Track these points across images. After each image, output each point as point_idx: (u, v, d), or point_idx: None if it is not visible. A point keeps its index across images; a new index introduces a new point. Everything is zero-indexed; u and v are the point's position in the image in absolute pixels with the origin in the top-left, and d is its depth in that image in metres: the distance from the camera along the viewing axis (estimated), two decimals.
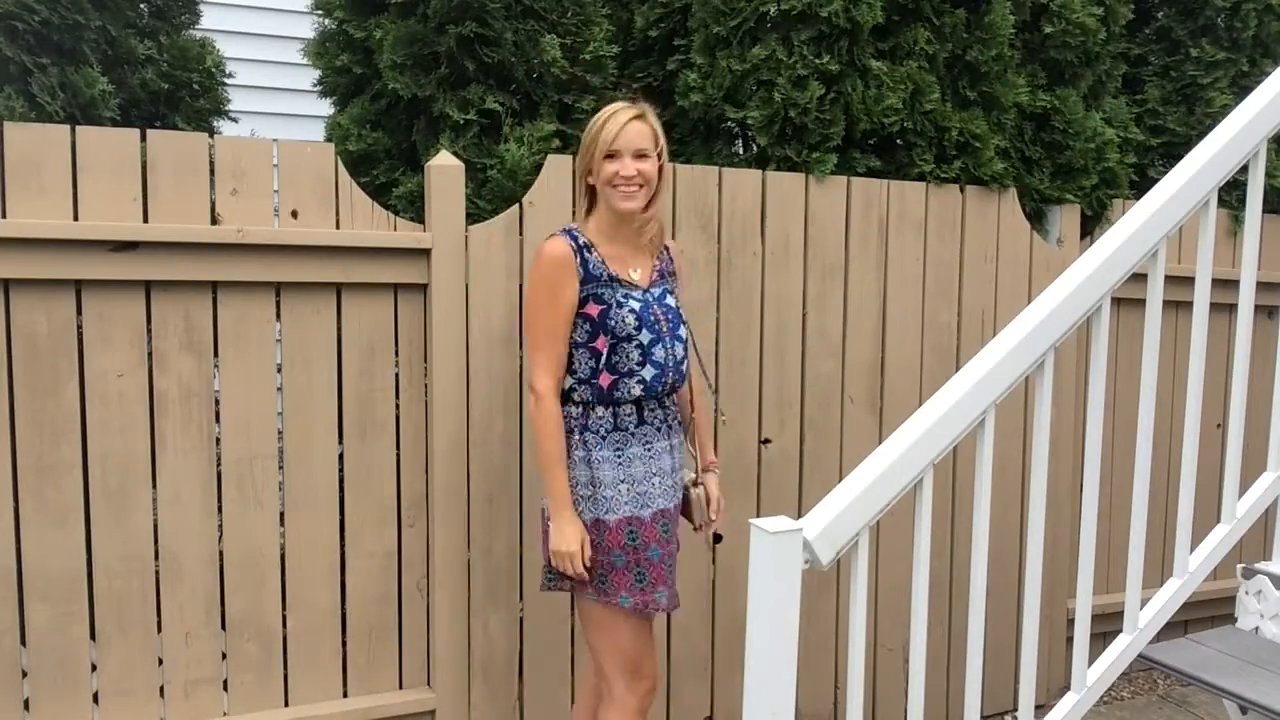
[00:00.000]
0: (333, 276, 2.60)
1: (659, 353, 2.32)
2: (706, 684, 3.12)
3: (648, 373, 2.31)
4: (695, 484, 2.47)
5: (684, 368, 2.40)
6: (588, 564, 2.26)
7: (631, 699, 2.33)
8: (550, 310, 2.27)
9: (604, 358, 2.29)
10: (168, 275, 2.44)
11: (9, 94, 2.51)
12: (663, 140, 2.36)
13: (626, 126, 2.27)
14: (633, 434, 2.32)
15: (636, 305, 2.31)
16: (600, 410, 2.31)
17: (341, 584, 2.69)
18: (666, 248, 2.49)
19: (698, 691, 3.10)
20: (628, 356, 2.29)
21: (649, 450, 2.34)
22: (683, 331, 2.39)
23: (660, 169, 2.35)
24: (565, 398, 2.33)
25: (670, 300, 2.40)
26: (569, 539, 2.25)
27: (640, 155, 2.28)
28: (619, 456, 2.30)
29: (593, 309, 2.29)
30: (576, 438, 2.31)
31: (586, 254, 2.30)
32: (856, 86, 3.13)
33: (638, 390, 2.31)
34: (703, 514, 2.47)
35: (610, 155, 2.27)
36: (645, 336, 2.30)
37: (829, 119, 3.10)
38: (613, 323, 2.28)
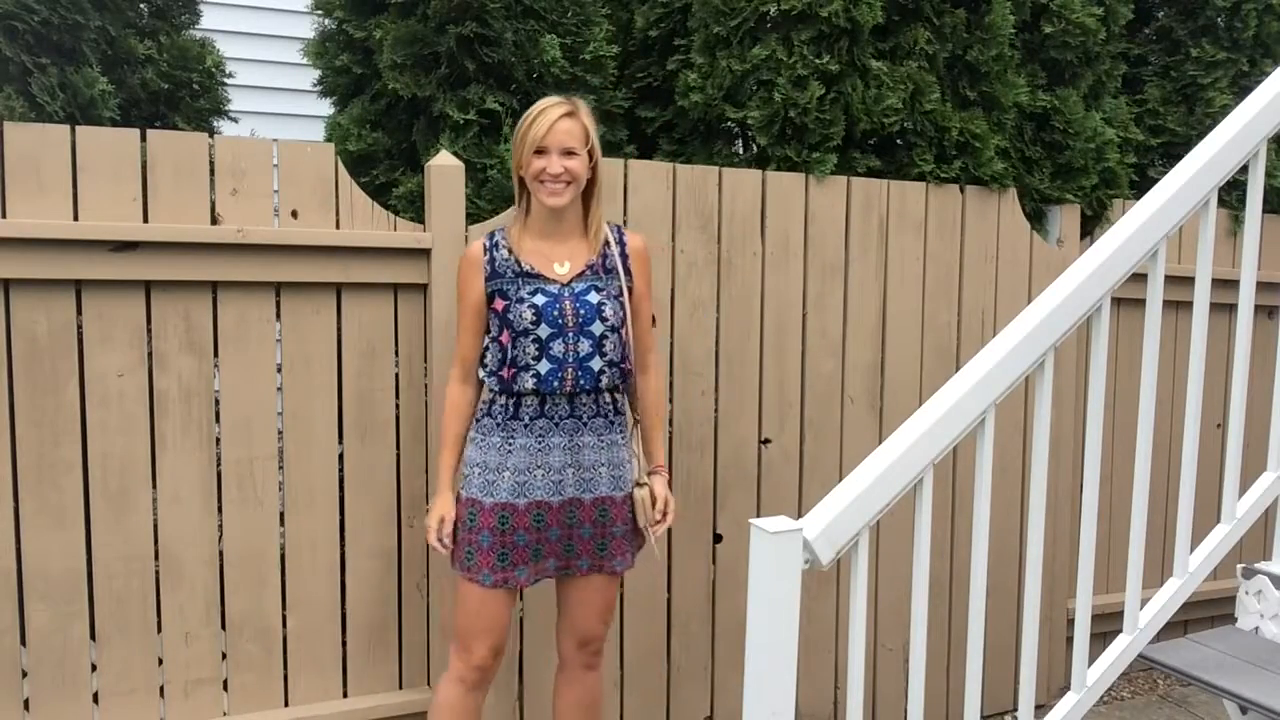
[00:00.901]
0: (332, 276, 2.60)
1: (557, 348, 2.32)
2: (706, 684, 3.12)
3: (543, 367, 2.32)
4: (639, 485, 2.46)
5: (595, 365, 2.35)
6: (444, 540, 2.40)
7: (456, 665, 2.41)
8: (461, 307, 2.41)
9: (507, 351, 2.35)
10: (168, 275, 2.44)
11: (9, 94, 2.51)
12: (594, 137, 2.36)
13: (556, 124, 2.29)
14: (527, 425, 2.35)
15: (540, 300, 2.32)
16: (503, 399, 2.37)
17: (341, 584, 2.69)
18: (624, 243, 2.46)
19: (698, 691, 3.11)
20: (525, 351, 2.32)
21: (540, 443, 2.35)
22: (596, 328, 2.34)
23: (593, 166, 2.36)
24: (483, 386, 2.44)
25: (592, 296, 2.36)
26: (431, 513, 2.43)
27: (568, 153, 2.30)
28: (509, 444, 2.35)
29: (499, 304, 2.36)
30: (479, 421, 2.41)
31: (495, 253, 2.38)
32: (856, 86, 3.13)
33: (530, 384, 2.32)
34: (646, 515, 2.45)
35: (539, 151, 2.29)
36: (544, 331, 2.32)
37: (829, 119, 3.10)
38: (512, 317, 2.33)
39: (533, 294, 2.33)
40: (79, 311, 2.39)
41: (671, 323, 2.96)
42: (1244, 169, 2.37)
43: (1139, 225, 2.14)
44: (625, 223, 2.88)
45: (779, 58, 3.06)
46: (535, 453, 2.35)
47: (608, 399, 2.42)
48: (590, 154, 2.35)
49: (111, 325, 2.42)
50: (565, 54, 2.97)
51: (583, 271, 2.39)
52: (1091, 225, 3.68)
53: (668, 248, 2.94)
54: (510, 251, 2.38)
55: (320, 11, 3.13)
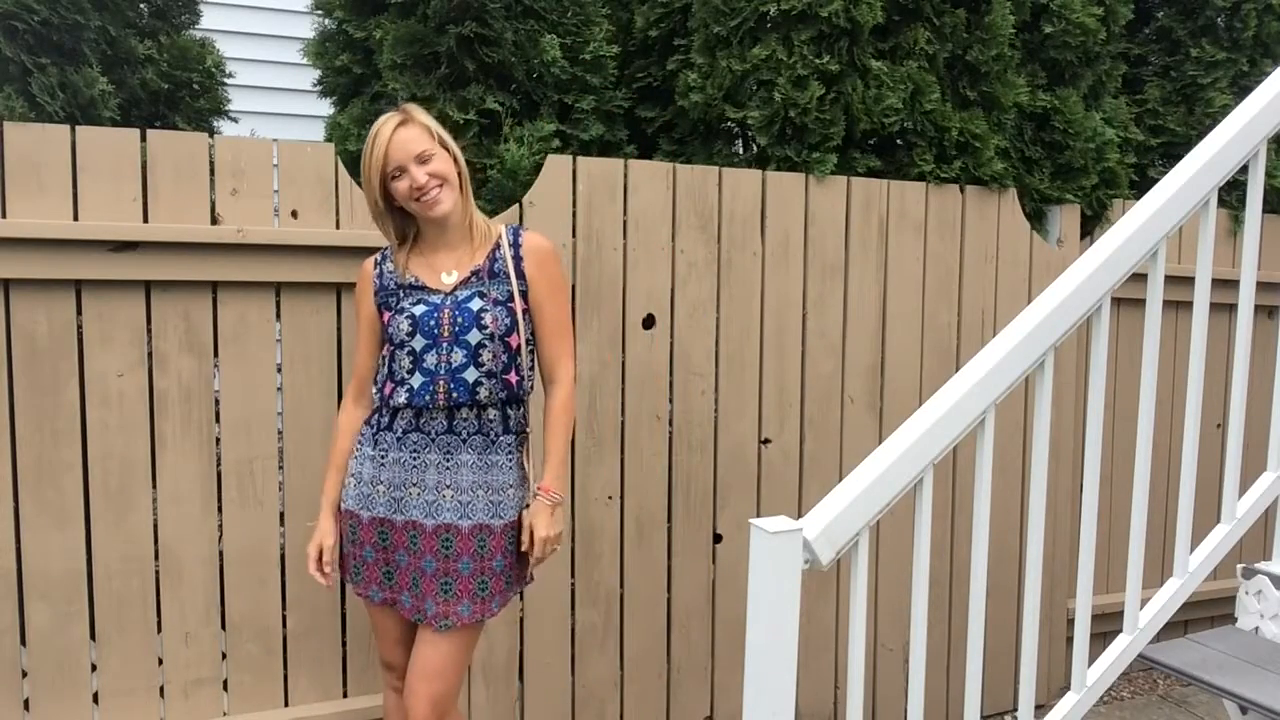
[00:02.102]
0: (333, 276, 2.60)
1: (430, 360, 2.18)
2: (706, 684, 3.12)
3: (415, 381, 2.18)
4: (528, 508, 2.28)
5: (470, 376, 2.19)
6: (326, 570, 2.29)
7: (384, 673, 2.38)
8: (356, 323, 2.35)
9: (387, 364, 2.24)
10: (168, 275, 2.44)
11: (9, 94, 2.51)
12: (440, 131, 2.20)
13: (394, 138, 2.14)
14: (400, 439, 2.21)
15: (419, 310, 2.20)
16: (383, 411, 2.25)
17: (341, 584, 2.69)
18: (518, 244, 2.29)
19: (698, 691, 3.11)
20: (400, 364, 2.21)
21: (415, 459, 2.20)
22: (472, 337, 2.18)
23: (455, 160, 2.21)
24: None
25: (474, 303, 2.20)
26: (311, 541, 2.31)
27: (424, 158, 2.16)
28: (382, 458, 2.23)
29: (385, 316, 2.26)
30: (360, 432, 2.30)
31: (383, 266, 2.29)
32: (856, 86, 3.13)
33: (402, 398, 2.19)
34: (524, 543, 2.26)
35: (395, 175, 2.17)
36: (419, 343, 2.18)
37: (829, 119, 3.10)
38: (391, 329, 2.23)
39: (414, 304, 2.21)
40: (79, 311, 2.39)
41: (671, 323, 2.96)
42: (1244, 169, 2.37)
43: (1139, 225, 2.14)
44: (625, 223, 2.88)
45: (779, 58, 3.06)
46: (410, 469, 2.21)
47: (492, 415, 2.23)
48: (447, 149, 2.20)
49: (111, 325, 2.42)
50: (565, 54, 2.97)
51: (468, 278, 2.24)
52: (1091, 225, 3.69)
53: (668, 248, 2.94)
54: (402, 264, 2.27)
55: (320, 11, 3.13)
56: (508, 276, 2.25)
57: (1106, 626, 2.73)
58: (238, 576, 2.57)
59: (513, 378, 2.24)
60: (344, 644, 2.70)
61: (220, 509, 2.55)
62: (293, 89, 4.85)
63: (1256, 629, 2.57)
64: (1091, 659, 2.26)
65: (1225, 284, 3.30)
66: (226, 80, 3.11)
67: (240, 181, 2.51)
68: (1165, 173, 2.46)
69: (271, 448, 2.59)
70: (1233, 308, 2.59)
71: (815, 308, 3.17)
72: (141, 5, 2.90)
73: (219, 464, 2.55)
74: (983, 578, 2.06)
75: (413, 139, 2.15)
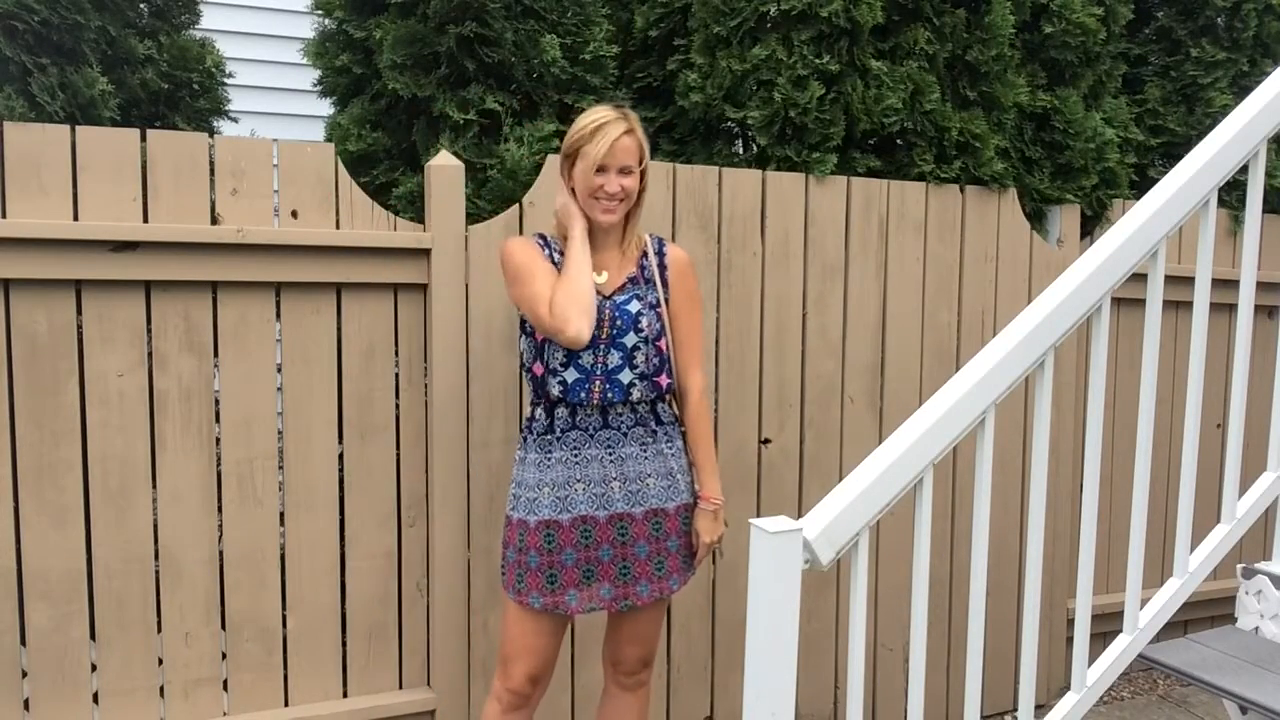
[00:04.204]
0: (333, 276, 2.60)
1: (586, 358, 2.26)
2: (706, 684, 3.12)
3: (569, 375, 2.26)
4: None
5: (625, 378, 2.28)
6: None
7: (496, 683, 2.39)
8: (529, 266, 2.25)
9: (541, 351, 2.30)
10: (168, 275, 2.44)
11: (9, 94, 2.51)
12: (647, 152, 2.32)
13: (617, 143, 2.24)
14: (560, 438, 2.29)
15: None
16: (538, 412, 2.32)
17: (341, 584, 2.69)
18: (663, 254, 2.41)
19: (698, 691, 3.11)
20: (554, 354, 2.27)
21: (576, 456, 2.28)
22: (629, 340, 2.28)
23: (642, 178, 2.33)
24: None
25: (633, 306, 2.30)
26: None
27: (625, 171, 2.26)
28: (546, 460, 2.29)
29: None
30: (522, 442, 2.36)
31: (550, 246, 2.35)
32: (856, 86, 3.13)
33: (556, 390, 2.27)
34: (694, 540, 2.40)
35: (598, 169, 2.25)
36: None
37: (829, 119, 3.10)
38: None
39: None
40: (79, 311, 2.39)
41: None
42: (1244, 169, 2.37)
43: (1139, 225, 2.14)
44: None
45: (779, 58, 3.06)
46: (572, 465, 2.28)
47: (646, 408, 2.34)
48: (643, 172, 2.31)
49: (111, 325, 2.42)
50: (565, 54, 2.97)
51: (624, 284, 2.34)
52: (1091, 225, 3.69)
53: None
54: (561, 255, 2.32)
55: (320, 11, 3.13)
56: (654, 284, 2.37)
57: (1106, 626, 2.73)
58: (238, 576, 2.57)
59: (663, 380, 2.35)
60: (344, 644, 2.70)
61: (220, 509, 2.55)
62: (293, 89, 4.85)
63: (1256, 629, 2.57)
64: (1091, 659, 2.26)
65: (1225, 284, 3.30)
66: (226, 80, 3.11)
67: (240, 181, 2.51)
68: (1165, 173, 2.46)
69: (271, 447, 2.59)
70: (1233, 308, 2.59)
71: (815, 307, 3.17)
72: (141, 5, 2.90)
73: (219, 464, 2.55)
74: (983, 578, 2.06)
75: (627, 152, 2.26)
